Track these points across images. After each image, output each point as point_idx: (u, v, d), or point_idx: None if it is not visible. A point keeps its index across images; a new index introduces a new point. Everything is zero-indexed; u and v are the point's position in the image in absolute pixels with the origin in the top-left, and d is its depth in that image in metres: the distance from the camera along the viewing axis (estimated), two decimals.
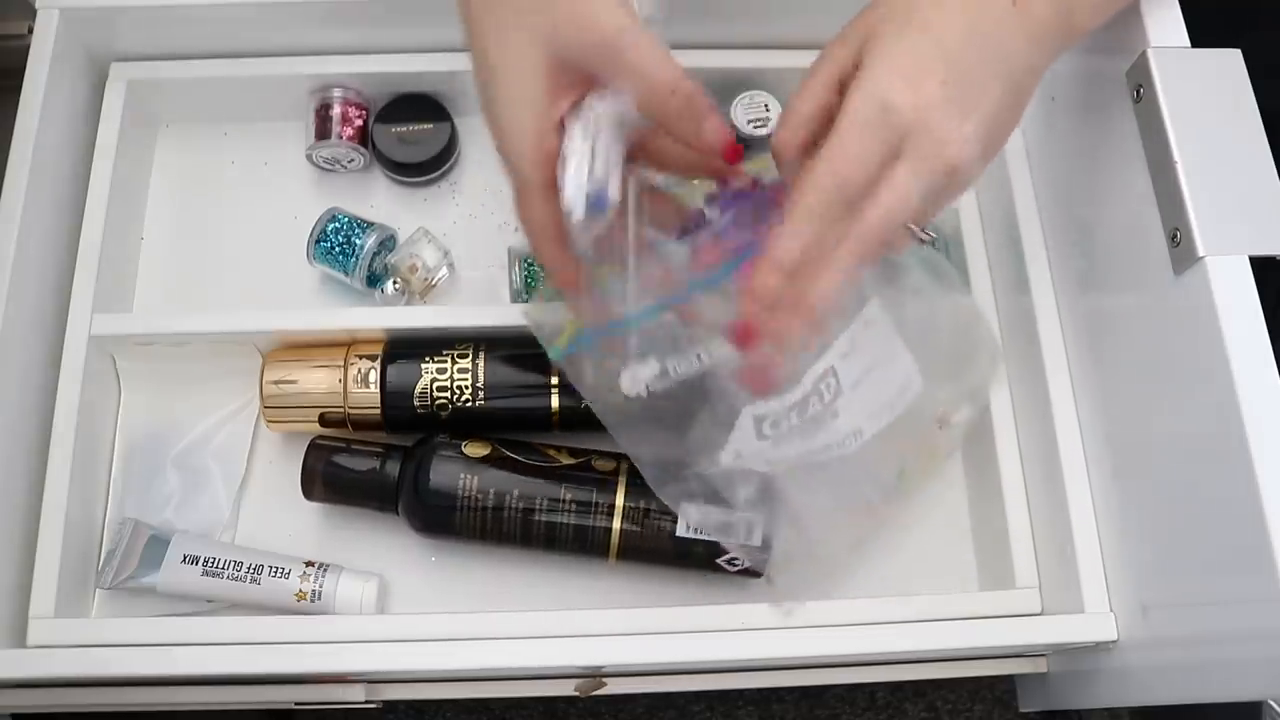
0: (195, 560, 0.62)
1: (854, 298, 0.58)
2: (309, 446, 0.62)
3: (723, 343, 0.52)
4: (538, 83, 0.48)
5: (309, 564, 0.62)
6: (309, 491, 0.62)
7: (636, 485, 0.60)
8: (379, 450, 0.62)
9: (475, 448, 0.61)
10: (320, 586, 0.61)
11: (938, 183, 0.46)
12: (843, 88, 0.47)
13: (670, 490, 0.58)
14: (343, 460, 0.62)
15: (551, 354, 0.59)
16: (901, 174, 0.45)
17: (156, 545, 0.62)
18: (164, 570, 0.61)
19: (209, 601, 0.62)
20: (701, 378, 0.56)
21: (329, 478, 0.62)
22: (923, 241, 0.50)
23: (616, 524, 0.60)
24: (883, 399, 0.59)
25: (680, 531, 0.60)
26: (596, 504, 0.60)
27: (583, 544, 0.61)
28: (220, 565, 0.62)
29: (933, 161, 0.45)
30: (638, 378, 0.55)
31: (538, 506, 0.60)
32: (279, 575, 0.61)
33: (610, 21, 0.47)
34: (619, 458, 0.62)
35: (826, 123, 0.47)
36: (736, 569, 0.60)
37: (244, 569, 0.61)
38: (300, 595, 0.61)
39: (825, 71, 0.48)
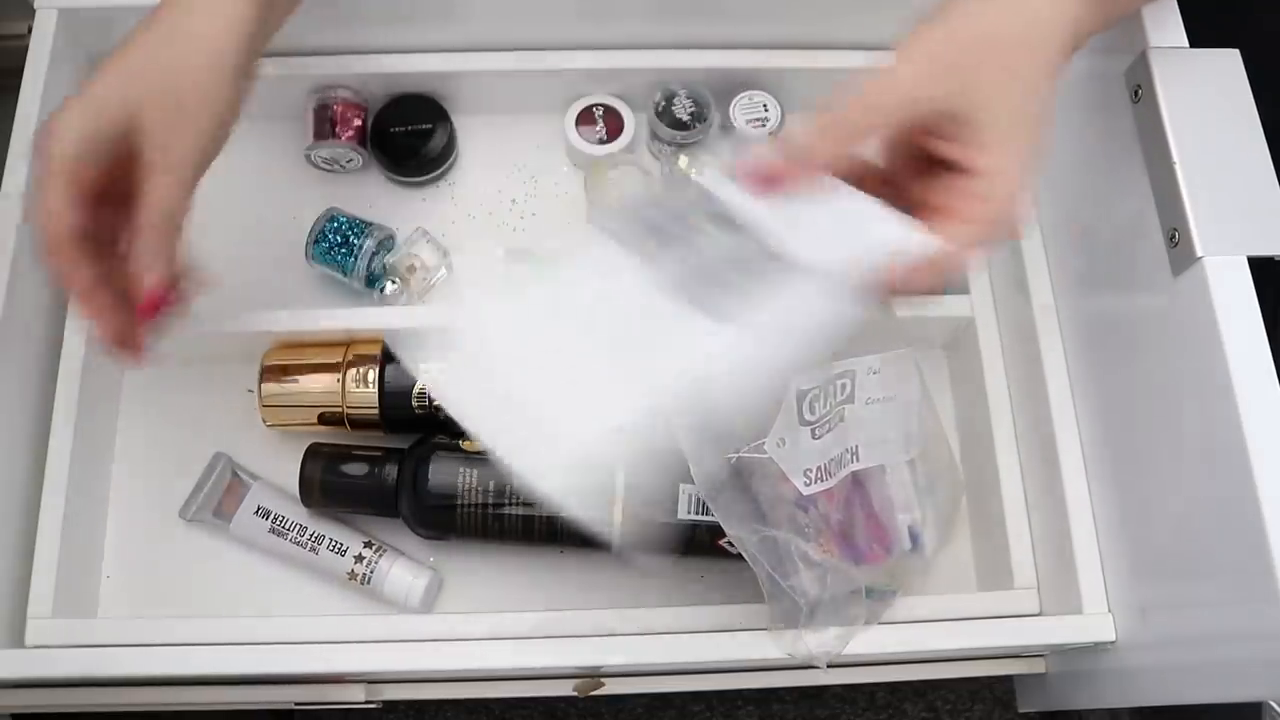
0: (267, 514, 0.63)
1: (891, 332, 0.59)
2: (305, 454, 0.62)
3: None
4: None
5: (368, 544, 0.63)
6: (308, 499, 0.62)
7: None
8: (377, 454, 0.62)
9: (473, 442, 0.61)
10: (372, 571, 0.62)
11: None
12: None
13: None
14: (340, 467, 0.62)
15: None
16: None
17: (237, 490, 0.64)
18: (238, 516, 0.63)
19: (271, 556, 0.64)
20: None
21: (327, 485, 0.62)
22: None
23: (617, 513, 0.60)
24: (884, 435, 0.59)
25: (681, 514, 0.60)
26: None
27: (585, 534, 0.60)
28: (287, 525, 0.63)
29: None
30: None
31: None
32: (336, 551, 0.63)
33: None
34: None
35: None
36: (737, 550, 0.60)
37: (307, 534, 0.63)
38: (351, 575, 0.62)
39: (896, 114, 0.45)
